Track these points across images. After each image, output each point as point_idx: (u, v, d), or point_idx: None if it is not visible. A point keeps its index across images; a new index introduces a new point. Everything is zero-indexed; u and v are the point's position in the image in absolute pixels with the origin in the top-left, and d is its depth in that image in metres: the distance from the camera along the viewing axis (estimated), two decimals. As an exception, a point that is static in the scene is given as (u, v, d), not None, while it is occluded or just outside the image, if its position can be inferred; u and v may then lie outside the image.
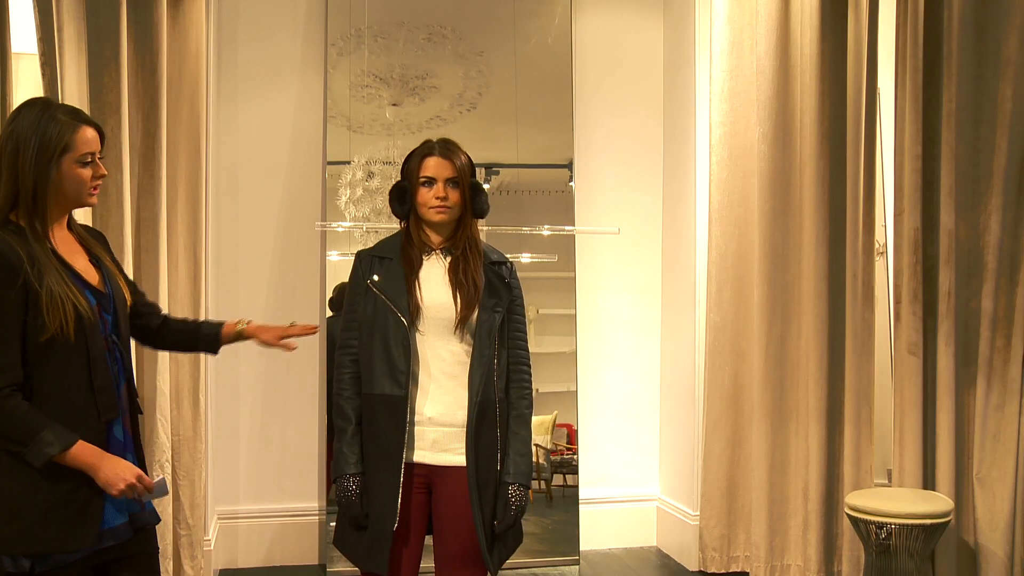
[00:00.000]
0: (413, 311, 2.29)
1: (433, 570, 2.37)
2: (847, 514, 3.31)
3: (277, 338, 2.35)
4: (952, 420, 3.29)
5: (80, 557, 1.93)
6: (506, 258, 2.47)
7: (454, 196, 2.35)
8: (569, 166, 4.44)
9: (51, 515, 1.89)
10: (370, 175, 4.20)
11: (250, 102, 4.23)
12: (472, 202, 2.39)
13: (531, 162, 4.44)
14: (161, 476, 2.01)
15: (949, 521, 3.16)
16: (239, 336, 2.34)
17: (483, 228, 4.27)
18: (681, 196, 4.40)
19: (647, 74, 4.61)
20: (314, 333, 2.39)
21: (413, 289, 2.31)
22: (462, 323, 2.31)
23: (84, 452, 1.89)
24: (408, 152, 2.43)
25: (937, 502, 3.15)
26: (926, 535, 3.10)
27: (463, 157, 2.39)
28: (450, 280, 2.34)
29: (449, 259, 2.38)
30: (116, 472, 1.89)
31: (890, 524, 3.11)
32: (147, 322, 2.29)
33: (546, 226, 4.37)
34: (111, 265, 2.13)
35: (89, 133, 1.99)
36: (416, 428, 2.30)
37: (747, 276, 3.99)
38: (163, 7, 3.46)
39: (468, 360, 2.33)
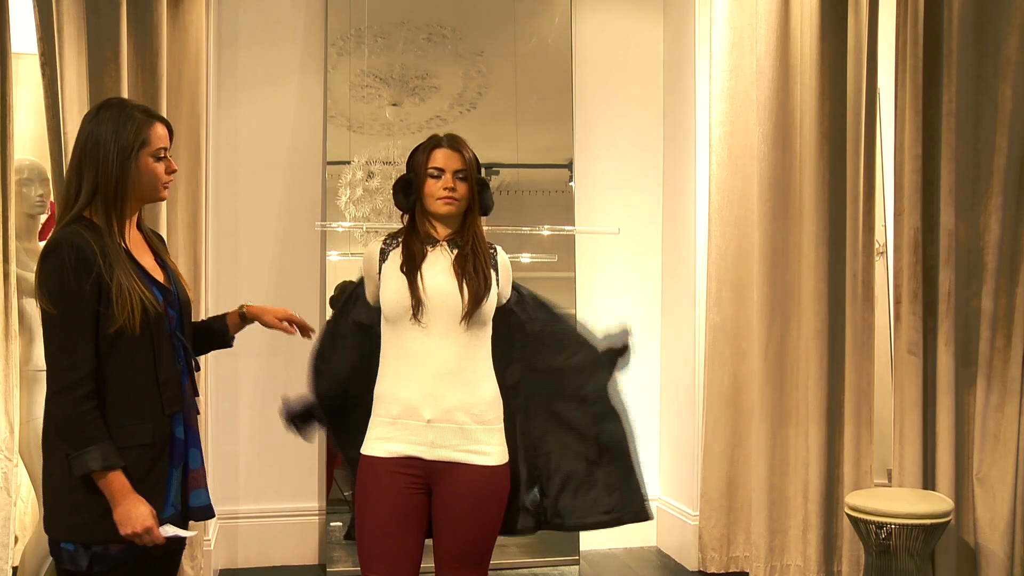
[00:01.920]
0: (415, 305, 2.27)
1: (433, 570, 2.37)
2: (847, 514, 3.31)
3: (278, 319, 2.38)
4: (952, 420, 3.29)
5: (136, 555, 1.98)
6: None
7: (462, 188, 2.34)
8: (569, 166, 4.44)
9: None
10: (370, 175, 4.20)
11: (250, 102, 4.23)
12: (479, 197, 2.38)
13: (531, 162, 4.44)
14: (178, 532, 2.03)
15: (949, 521, 3.16)
16: (243, 319, 2.37)
17: (483, 228, 4.26)
18: (681, 196, 4.40)
19: (647, 74, 4.61)
20: (309, 335, 2.42)
21: (415, 282, 2.28)
22: (468, 316, 2.28)
23: (116, 482, 1.93)
24: (411, 150, 2.41)
25: (937, 502, 3.15)
26: (926, 535, 3.10)
27: (470, 152, 2.38)
28: (455, 272, 2.31)
29: (455, 251, 2.35)
30: (131, 515, 1.93)
31: (890, 524, 3.11)
32: None
33: (546, 226, 4.37)
34: (174, 266, 2.19)
35: (160, 129, 2.08)
36: (414, 424, 2.28)
37: (747, 276, 3.99)
38: (163, 7, 3.46)
39: (473, 355, 2.31)
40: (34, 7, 3.14)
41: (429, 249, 2.35)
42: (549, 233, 4.36)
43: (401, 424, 2.28)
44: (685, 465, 4.31)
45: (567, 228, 4.39)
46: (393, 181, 2.43)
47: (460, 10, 4.38)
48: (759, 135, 3.86)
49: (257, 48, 4.23)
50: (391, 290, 2.30)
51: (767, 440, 3.82)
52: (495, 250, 2.45)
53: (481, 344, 2.34)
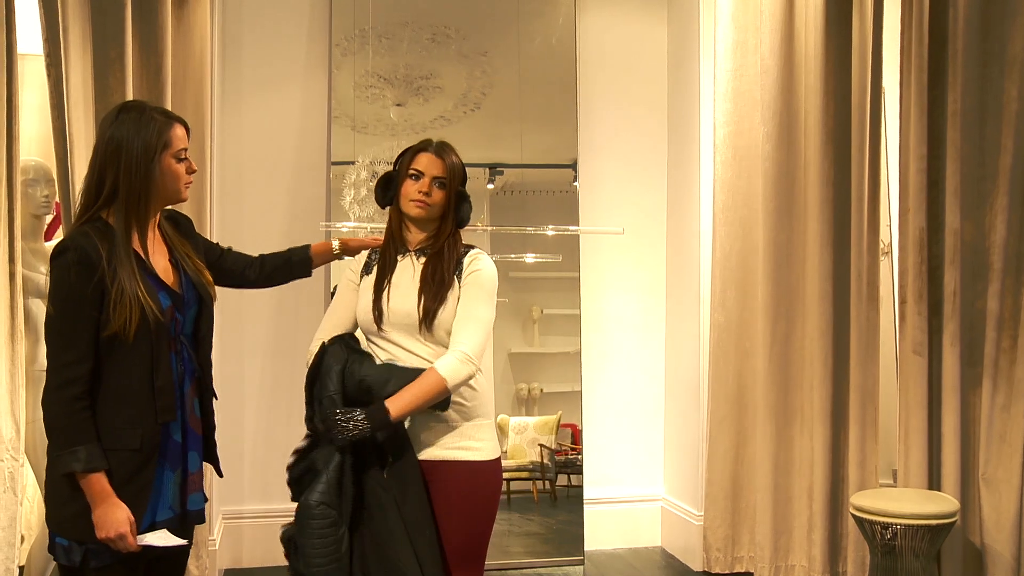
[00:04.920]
0: (377, 315, 2.29)
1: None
2: (852, 514, 3.30)
3: (363, 246, 2.54)
4: (957, 420, 3.28)
5: (132, 554, 1.98)
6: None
7: (437, 195, 2.33)
8: (573, 166, 4.44)
9: None
10: (374, 175, 4.20)
11: (254, 102, 4.23)
12: (456, 208, 2.37)
13: (535, 162, 4.43)
14: (156, 542, 2.03)
15: (955, 521, 3.15)
16: (335, 256, 2.60)
17: (487, 229, 4.27)
18: (685, 196, 4.40)
19: (651, 74, 4.61)
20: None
21: (380, 295, 2.31)
22: (426, 326, 2.26)
23: (97, 484, 1.94)
24: (406, 148, 2.44)
25: (943, 502, 3.15)
26: (931, 536, 3.09)
27: (456, 160, 2.38)
28: (419, 284, 2.31)
29: (423, 260, 2.35)
30: (107, 519, 1.94)
31: (895, 524, 3.11)
32: (242, 279, 2.48)
33: (550, 226, 4.36)
34: (193, 257, 2.19)
35: (180, 130, 2.10)
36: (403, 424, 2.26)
37: (751, 276, 3.99)
38: (168, 8, 3.46)
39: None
40: (40, 8, 3.14)
41: (400, 259, 2.37)
42: (553, 233, 4.36)
43: None
44: (689, 465, 4.31)
45: (571, 228, 4.38)
46: None
47: (464, 10, 4.38)
48: (763, 135, 3.85)
49: (261, 49, 4.24)
50: (363, 304, 2.35)
51: (772, 440, 3.81)
52: (467, 251, 2.37)
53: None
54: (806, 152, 3.79)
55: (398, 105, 4.29)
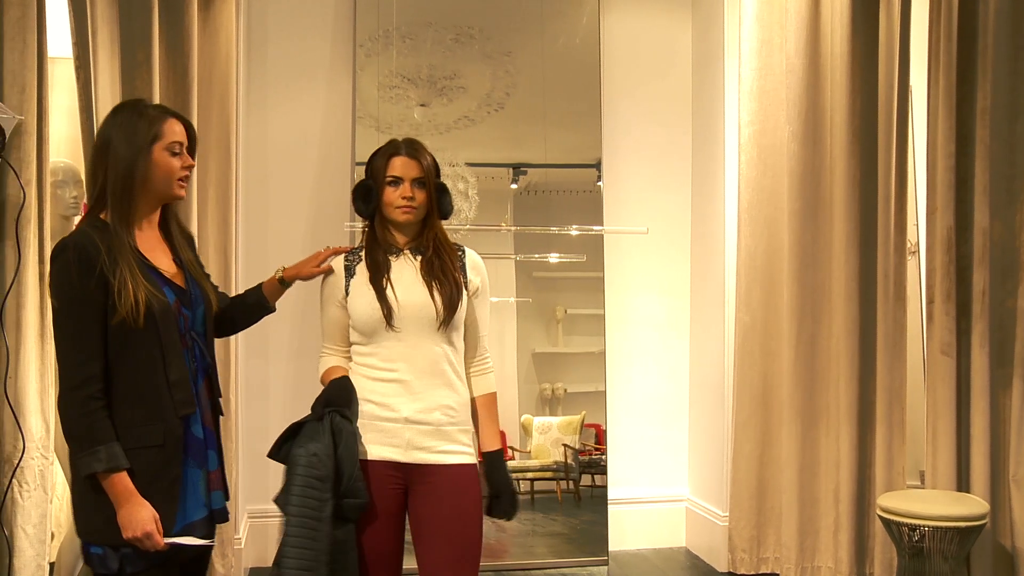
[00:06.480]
0: (387, 315, 2.26)
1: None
2: (879, 516, 3.27)
3: (315, 266, 2.40)
4: (987, 421, 3.24)
5: (168, 556, 1.97)
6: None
7: (420, 196, 2.33)
8: (597, 166, 4.43)
9: None
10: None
11: (279, 104, 4.26)
12: (438, 203, 2.37)
13: (559, 162, 4.43)
14: (184, 541, 2.02)
15: (984, 524, 3.11)
16: (283, 284, 2.40)
17: (511, 229, 4.27)
18: (710, 195, 4.38)
19: (675, 73, 4.60)
20: (341, 252, 2.42)
21: (385, 292, 2.28)
22: (445, 323, 2.28)
23: (120, 484, 1.92)
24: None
25: (972, 504, 3.11)
26: (961, 538, 3.06)
27: (429, 157, 2.37)
28: (424, 279, 2.31)
29: (420, 258, 2.35)
30: (132, 519, 1.92)
31: (923, 526, 3.08)
32: (222, 318, 2.37)
33: (574, 226, 4.36)
34: (196, 267, 2.19)
35: (176, 125, 2.07)
36: (390, 426, 2.26)
37: (777, 276, 3.96)
38: (194, 10, 3.50)
39: (449, 357, 2.30)
40: (69, 12, 3.18)
41: (393, 258, 2.35)
42: (577, 233, 4.36)
43: (376, 426, 2.27)
44: (714, 466, 4.29)
45: (595, 228, 4.38)
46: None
47: (487, 10, 4.39)
48: (789, 134, 3.83)
49: (286, 50, 4.27)
50: (363, 304, 2.30)
51: (797, 441, 3.79)
52: (463, 251, 2.42)
53: (456, 348, 2.34)
54: (832, 151, 3.76)
55: (422, 105, 4.31)
